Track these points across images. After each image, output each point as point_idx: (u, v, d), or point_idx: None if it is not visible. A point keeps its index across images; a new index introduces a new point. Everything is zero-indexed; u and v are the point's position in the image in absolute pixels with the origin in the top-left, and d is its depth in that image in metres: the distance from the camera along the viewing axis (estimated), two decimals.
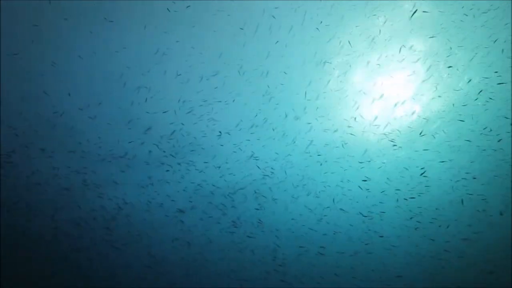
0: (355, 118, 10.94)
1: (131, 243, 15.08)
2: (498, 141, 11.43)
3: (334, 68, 9.93)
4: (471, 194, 13.05)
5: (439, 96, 10.29)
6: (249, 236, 14.94)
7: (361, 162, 12.28)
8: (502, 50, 9.36)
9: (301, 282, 16.97)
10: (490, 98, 10.36)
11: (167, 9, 8.65)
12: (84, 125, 10.97)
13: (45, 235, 14.41)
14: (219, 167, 12.50)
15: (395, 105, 10.54)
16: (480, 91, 10.17)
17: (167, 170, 12.49)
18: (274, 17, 8.84)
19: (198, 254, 15.85)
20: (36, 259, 15.29)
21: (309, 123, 11.23)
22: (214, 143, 11.74)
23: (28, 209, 13.45)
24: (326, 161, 12.33)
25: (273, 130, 11.44)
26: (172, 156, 12.06)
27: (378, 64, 9.80)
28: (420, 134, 11.26)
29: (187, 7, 8.63)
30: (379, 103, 10.55)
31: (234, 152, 12.01)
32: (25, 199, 13.06)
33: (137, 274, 16.44)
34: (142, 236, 14.86)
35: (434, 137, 11.41)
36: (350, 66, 9.80)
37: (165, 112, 10.89)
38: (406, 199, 13.39)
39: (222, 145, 11.80)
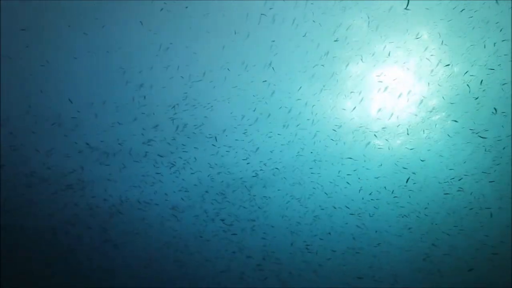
0: (351, 118, 11.01)
1: (128, 241, 15.16)
2: (490, 139, 11.48)
3: (327, 67, 9.99)
4: (462, 190, 13.10)
5: (432, 95, 10.34)
6: (243, 235, 14.99)
7: (354, 160, 12.35)
8: (494, 45, 9.39)
9: (295, 280, 16.97)
10: (483, 97, 10.39)
11: (162, 9, 8.76)
12: (83, 125, 11.07)
13: (44, 234, 14.52)
14: (212, 166, 12.59)
15: (391, 103, 10.58)
16: (473, 90, 10.22)
17: (161, 171, 12.58)
18: (274, 10, 8.80)
19: (195, 253, 15.89)
20: (34, 258, 15.39)
21: (303, 123, 11.30)
22: (207, 142, 11.84)
23: (26, 208, 13.56)
24: (320, 160, 12.41)
25: (268, 129, 11.49)
26: (167, 155, 12.16)
27: (367, 61, 9.86)
28: (413, 132, 11.33)
29: (186, 7, 8.72)
30: (376, 100, 10.58)
31: (227, 151, 12.11)
32: (24, 198, 13.17)
33: (134, 273, 16.50)
34: (139, 234, 14.94)
35: (427, 136, 11.47)
36: (346, 65, 9.88)
37: (158, 113, 11.00)
38: (397, 197, 13.45)
39: (213, 145, 11.90)
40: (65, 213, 13.86)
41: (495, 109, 10.58)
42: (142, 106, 10.71)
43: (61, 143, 11.48)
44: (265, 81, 10.28)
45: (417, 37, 9.31)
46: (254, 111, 10.98)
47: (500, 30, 9.14)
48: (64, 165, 12.10)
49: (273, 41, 9.42)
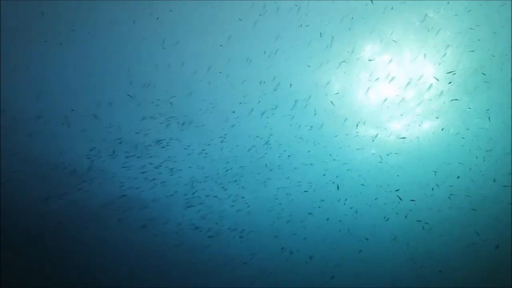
0: (344, 119, 11.01)
1: (123, 243, 15.19)
2: (480, 141, 11.41)
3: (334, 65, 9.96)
4: (451, 192, 12.99)
5: (426, 98, 10.30)
6: (228, 238, 14.91)
7: (344, 162, 12.34)
8: (487, 49, 9.39)
9: (280, 282, 16.76)
10: (473, 101, 10.32)
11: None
12: (89, 128, 11.20)
13: (44, 233, 14.65)
14: (199, 173, 12.61)
15: (386, 103, 10.54)
16: (465, 93, 10.18)
17: (150, 176, 12.62)
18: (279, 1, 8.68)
19: (182, 257, 15.80)
20: (30, 258, 15.50)
21: (297, 123, 11.30)
22: (182, 148, 11.87)
23: (25, 208, 13.72)
24: (312, 164, 12.38)
25: (259, 129, 11.47)
26: (150, 164, 12.23)
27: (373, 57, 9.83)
28: (405, 134, 11.31)
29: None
30: (369, 101, 10.54)
31: (206, 155, 12.14)
32: (23, 199, 13.34)
33: (128, 273, 16.54)
34: (124, 242, 14.94)
35: (417, 138, 11.42)
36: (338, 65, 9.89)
37: (141, 120, 11.11)
38: (381, 199, 13.36)
39: (187, 147, 11.92)
40: (65, 213, 13.99)
41: (487, 115, 10.57)
42: (140, 107, 10.80)
43: (65, 145, 11.60)
44: (264, 82, 10.24)
45: (394, 40, 9.28)
46: (249, 108, 10.92)
47: (494, 33, 9.09)
48: (63, 166, 12.23)
49: (277, 32, 9.25)
